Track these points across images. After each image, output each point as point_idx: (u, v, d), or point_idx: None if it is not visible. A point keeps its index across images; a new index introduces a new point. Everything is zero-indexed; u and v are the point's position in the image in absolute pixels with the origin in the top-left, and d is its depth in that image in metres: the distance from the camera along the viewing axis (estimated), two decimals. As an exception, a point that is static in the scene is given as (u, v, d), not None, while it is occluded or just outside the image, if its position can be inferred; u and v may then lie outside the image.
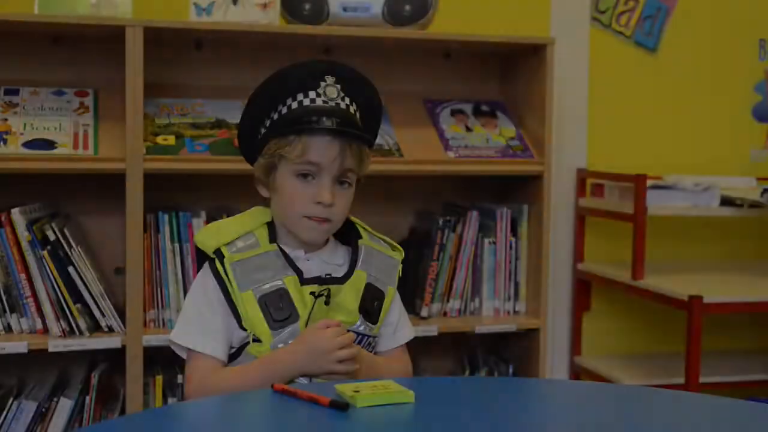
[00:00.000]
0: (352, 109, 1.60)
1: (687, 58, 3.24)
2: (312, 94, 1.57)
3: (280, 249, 1.60)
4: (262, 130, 1.62)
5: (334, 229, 1.62)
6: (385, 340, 1.69)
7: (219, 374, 1.55)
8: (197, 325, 1.57)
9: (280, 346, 1.55)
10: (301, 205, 1.57)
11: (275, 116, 1.60)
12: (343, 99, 1.59)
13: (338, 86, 1.59)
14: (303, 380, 1.54)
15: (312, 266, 1.61)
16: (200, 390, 1.54)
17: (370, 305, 1.62)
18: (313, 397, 1.33)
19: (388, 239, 1.71)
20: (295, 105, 1.58)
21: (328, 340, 1.51)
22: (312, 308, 1.56)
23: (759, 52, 3.31)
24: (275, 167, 1.59)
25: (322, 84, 1.58)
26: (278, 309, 1.54)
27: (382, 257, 1.67)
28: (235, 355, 1.58)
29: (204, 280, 1.59)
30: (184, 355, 1.61)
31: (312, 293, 1.56)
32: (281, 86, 1.59)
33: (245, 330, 1.55)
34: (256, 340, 1.55)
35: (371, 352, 1.66)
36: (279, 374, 1.51)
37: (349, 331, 1.59)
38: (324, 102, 1.57)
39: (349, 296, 1.60)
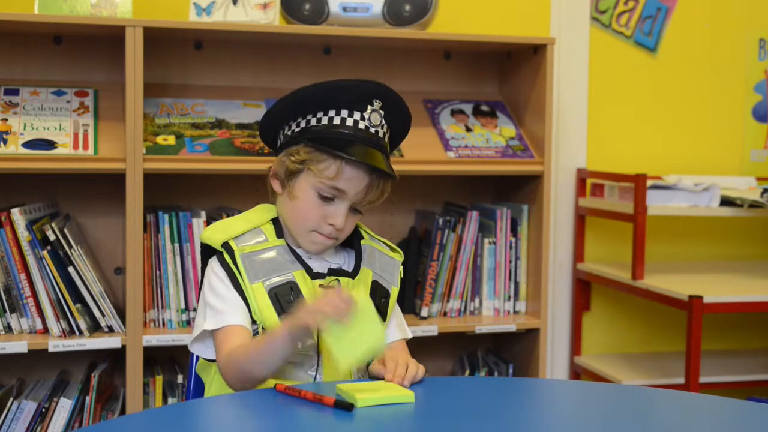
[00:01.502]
0: (387, 137, 1.63)
1: (687, 58, 3.24)
2: (357, 115, 1.58)
3: (287, 245, 1.61)
4: (293, 126, 1.62)
5: (336, 244, 1.64)
6: (390, 331, 1.69)
7: (244, 346, 1.52)
8: (218, 306, 1.56)
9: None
10: (313, 221, 1.59)
11: (313, 121, 1.60)
12: (382, 126, 1.60)
13: (382, 112, 1.60)
14: (311, 374, 1.55)
15: (315, 265, 1.63)
16: (228, 361, 1.51)
17: (379, 302, 1.64)
18: (317, 398, 1.34)
19: (387, 241, 1.73)
20: (337, 120, 1.58)
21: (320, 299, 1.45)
22: None
23: (759, 52, 3.31)
24: (299, 173, 1.59)
25: (369, 108, 1.59)
26: (288, 302, 1.55)
27: (384, 257, 1.69)
28: None
29: (215, 270, 1.59)
30: (209, 355, 1.60)
31: (321, 285, 1.58)
32: (332, 96, 1.59)
33: (255, 322, 1.56)
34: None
35: None
36: (288, 331, 1.46)
37: None
38: (366, 127, 1.58)
39: (361, 292, 1.61)
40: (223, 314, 1.55)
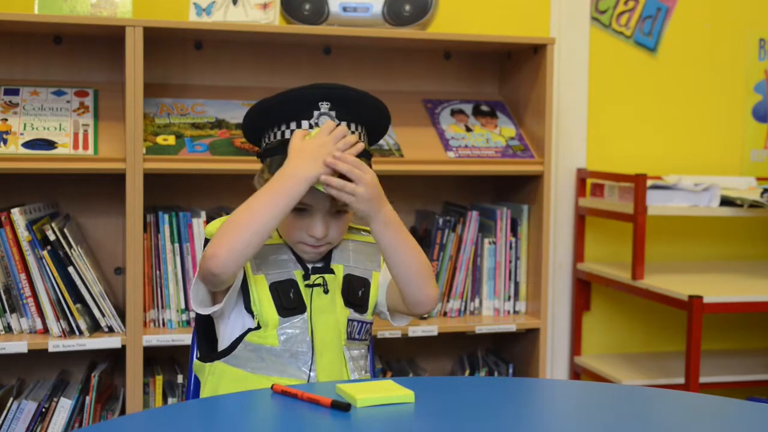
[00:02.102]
0: (355, 133, 1.59)
1: (687, 58, 3.24)
2: (305, 124, 1.57)
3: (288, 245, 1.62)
4: (264, 141, 1.63)
5: (329, 248, 1.64)
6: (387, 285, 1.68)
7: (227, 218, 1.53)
8: None
9: (286, 338, 1.56)
10: (295, 235, 1.60)
11: (271, 136, 1.60)
12: (338, 125, 1.57)
13: (333, 113, 1.57)
14: (305, 370, 1.55)
15: (311, 266, 1.64)
16: (216, 241, 1.50)
17: (355, 296, 1.63)
18: (315, 398, 1.33)
19: (365, 227, 1.70)
20: (288, 134, 1.57)
21: (326, 138, 1.52)
22: (311, 298, 1.57)
23: (759, 52, 3.31)
24: None
25: (316, 113, 1.56)
26: (289, 298, 1.56)
27: (360, 246, 1.68)
28: (233, 345, 1.58)
29: None
30: (207, 308, 1.59)
31: (307, 285, 1.59)
32: (274, 111, 1.58)
33: (252, 314, 1.56)
34: (258, 328, 1.56)
35: (367, 339, 1.67)
36: (283, 183, 1.49)
37: (348, 320, 1.61)
38: None
39: (336, 291, 1.62)
40: None
